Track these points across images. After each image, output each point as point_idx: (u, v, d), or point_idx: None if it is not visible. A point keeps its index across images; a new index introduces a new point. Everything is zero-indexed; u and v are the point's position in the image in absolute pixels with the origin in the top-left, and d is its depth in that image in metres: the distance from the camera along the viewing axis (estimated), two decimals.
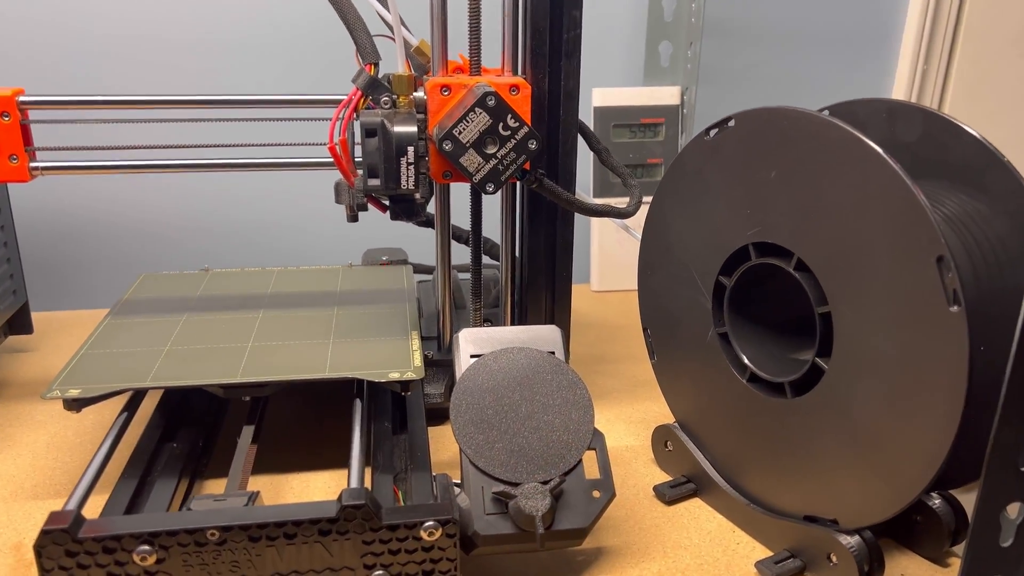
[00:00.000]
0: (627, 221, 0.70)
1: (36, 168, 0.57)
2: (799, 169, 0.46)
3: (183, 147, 0.60)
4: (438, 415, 0.65)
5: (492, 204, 0.66)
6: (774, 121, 0.48)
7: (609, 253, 0.99)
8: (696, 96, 0.94)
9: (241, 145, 0.61)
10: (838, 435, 0.47)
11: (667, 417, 0.62)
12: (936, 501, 0.51)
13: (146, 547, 0.44)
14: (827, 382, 0.47)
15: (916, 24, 1.17)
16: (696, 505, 0.57)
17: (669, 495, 0.58)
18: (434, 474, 0.52)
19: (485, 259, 0.70)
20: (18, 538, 0.53)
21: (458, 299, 0.77)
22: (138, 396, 0.59)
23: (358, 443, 0.53)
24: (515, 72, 0.61)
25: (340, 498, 0.46)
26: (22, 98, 0.55)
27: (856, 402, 0.45)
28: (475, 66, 0.60)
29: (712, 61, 1.01)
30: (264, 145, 0.62)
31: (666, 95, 0.95)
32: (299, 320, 0.65)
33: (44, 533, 0.43)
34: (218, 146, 0.61)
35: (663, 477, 0.60)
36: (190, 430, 0.58)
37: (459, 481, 0.52)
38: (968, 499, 0.50)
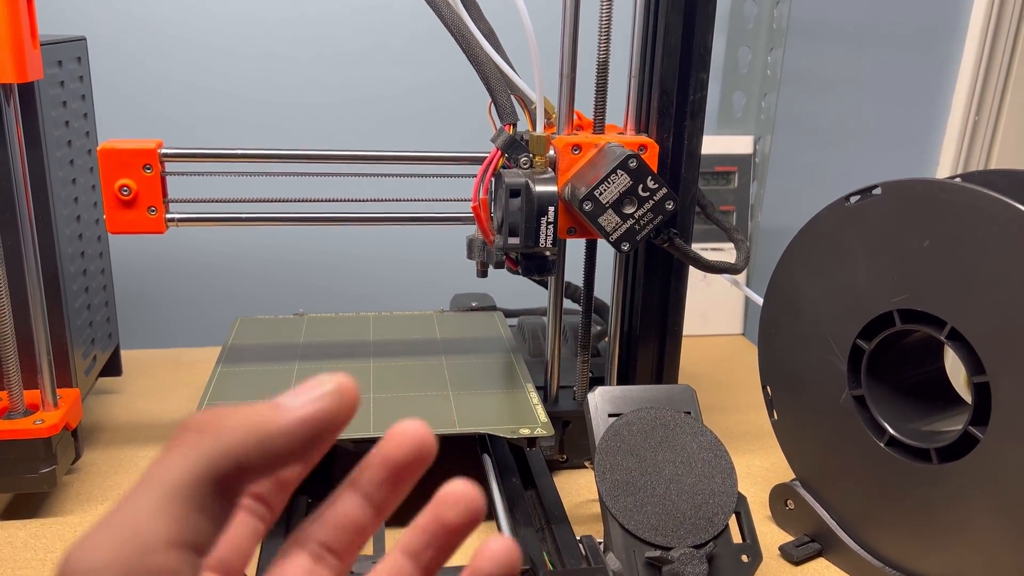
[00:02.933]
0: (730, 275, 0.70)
1: (172, 220, 0.57)
2: (957, 240, 0.47)
3: (308, 201, 0.60)
4: (550, 467, 0.65)
5: (604, 257, 0.67)
6: (929, 192, 0.49)
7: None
8: (771, 145, 0.96)
9: (364, 200, 0.62)
10: (993, 504, 0.47)
11: (771, 470, 0.62)
12: None
13: None
14: (982, 451, 0.47)
15: (968, 78, 1.20)
16: (823, 565, 0.57)
17: (796, 555, 0.58)
18: (578, 536, 0.52)
19: (566, 303, 0.70)
20: None
21: (535, 348, 0.77)
22: None
23: (500, 501, 0.53)
24: (637, 130, 0.62)
25: None
26: (163, 150, 0.56)
27: (1017, 472, 0.46)
28: (599, 124, 0.61)
29: (783, 111, 1.02)
30: (381, 200, 0.63)
31: (739, 144, 0.97)
32: (411, 370, 0.65)
33: None
34: (341, 200, 0.61)
35: (782, 535, 0.61)
36: (316, 484, 0.58)
37: (600, 540, 0.52)
38: None
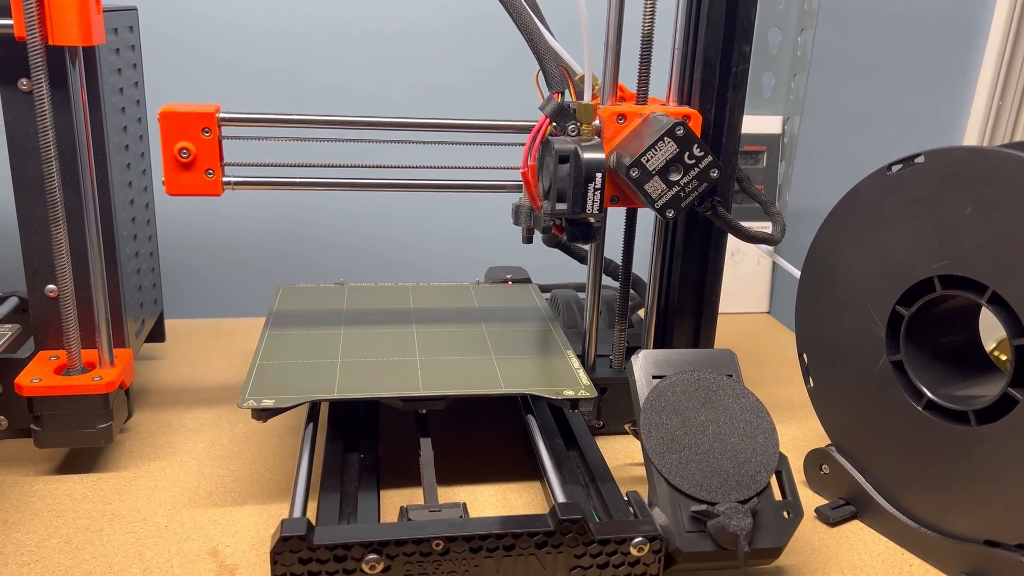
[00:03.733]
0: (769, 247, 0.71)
1: (228, 183, 0.59)
2: (999, 206, 0.49)
3: (359, 167, 0.62)
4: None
5: (644, 228, 0.68)
6: (975, 160, 0.50)
7: None
8: (799, 126, 0.97)
9: (411, 167, 0.63)
10: None
11: (803, 439, 0.63)
12: None
13: (374, 556, 0.45)
14: (1022, 412, 0.49)
15: (993, 64, 1.20)
16: (858, 527, 0.59)
17: (832, 517, 0.59)
18: (625, 492, 0.54)
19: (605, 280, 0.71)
20: (211, 544, 0.54)
21: (569, 319, 0.79)
22: (316, 406, 0.61)
23: (547, 457, 0.55)
24: (680, 102, 0.63)
25: (555, 512, 0.48)
26: (221, 114, 0.57)
27: None
28: (643, 95, 0.62)
29: (812, 92, 1.03)
30: (428, 167, 0.64)
31: (768, 124, 0.98)
32: (453, 335, 0.67)
33: (282, 540, 0.44)
34: (388, 167, 0.63)
35: (816, 499, 0.62)
36: (367, 441, 0.59)
37: (645, 497, 0.53)
38: None
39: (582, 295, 0.82)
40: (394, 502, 0.58)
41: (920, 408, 0.55)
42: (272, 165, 0.61)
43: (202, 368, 0.80)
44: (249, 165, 0.60)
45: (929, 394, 0.54)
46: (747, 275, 1.01)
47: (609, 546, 0.48)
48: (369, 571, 0.46)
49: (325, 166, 0.61)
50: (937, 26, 1.01)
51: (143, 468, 0.62)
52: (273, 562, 0.45)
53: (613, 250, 0.69)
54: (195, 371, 0.79)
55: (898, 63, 1.11)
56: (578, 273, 0.87)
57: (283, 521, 0.45)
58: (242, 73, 0.89)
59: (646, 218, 0.67)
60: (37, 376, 0.59)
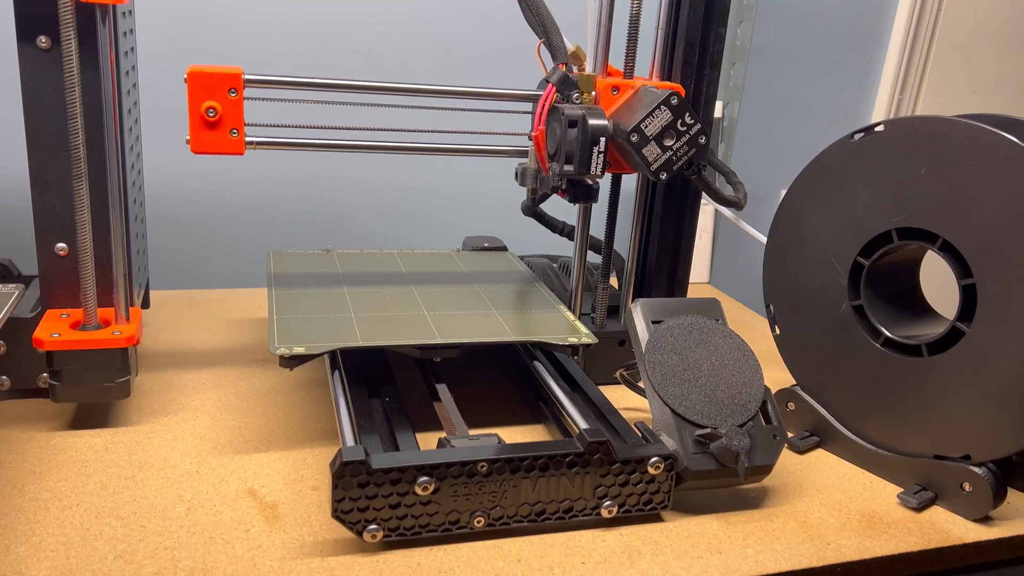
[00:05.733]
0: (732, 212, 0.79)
1: (251, 143, 0.61)
2: (950, 166, 0.57)
3: (367, 129, 0.65)
4: None
5: (625, 197, 0.74)
6: (929, 127, 0.58)
7: None
8: (739, 111, 1.06)
9: (416, 131, 0.67)
10: (975, 386, 0.57)
11: (770, 387, 0.71)
12: None
13: (426, 478, 0.50)
14: (967, 342, 0.57)
15: (895, 62, 1.34)
16: (823, 454, 0.67)
17: (801, 446, 0.67)
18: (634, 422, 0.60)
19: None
20: (247, 485, 0.57)
21: (547, 284, 0.84)
22: (336, 357, 0.64)
23: (563, 395, 0.60)
24: (662, 78, 0.70)
25: (583, 436, 0.53)
26: (246, 76, 0.60)
27: (996, 358, 0.56)
28: (629, 71, 0.68)
29: (751, 80, 1.13)
30: (433, 131, 0.68)
31: None
32: (452, 293, 0.71)
33: (344, 464, 0.48)
34: (395, 130, 0.66)
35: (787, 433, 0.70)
36: (388, 387, 0.63)
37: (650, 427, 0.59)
38: None
39: (555, 264, 0.87)
40: (425, 441, 0.61)
41: (878, 345, 0.63)
42: (284, 127, 0.63)
43: (186, 334, 0.81)
44: (266, 126, 0.62)
45: (887, 332, 0.63)
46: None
47: (630, 465, 0.54)
48: (421, 492, 0.50)
49: (338, 128, 0.64)
50: (851, 27, 1.12)
51: (158, 423, 0.64)
52: (335, 486, 0.48)
53: (593, 222, 0.74)
54: (181, 337, 0.80)
55: (818, 57, 1.22)
56: (542, 244, 0.93)
57: (342, 449, 0.49)
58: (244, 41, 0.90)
59: (627, 185, 0.74)
60: (56, 331, 0.60)
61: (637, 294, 0.76)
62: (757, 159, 1.13)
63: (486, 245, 0.87)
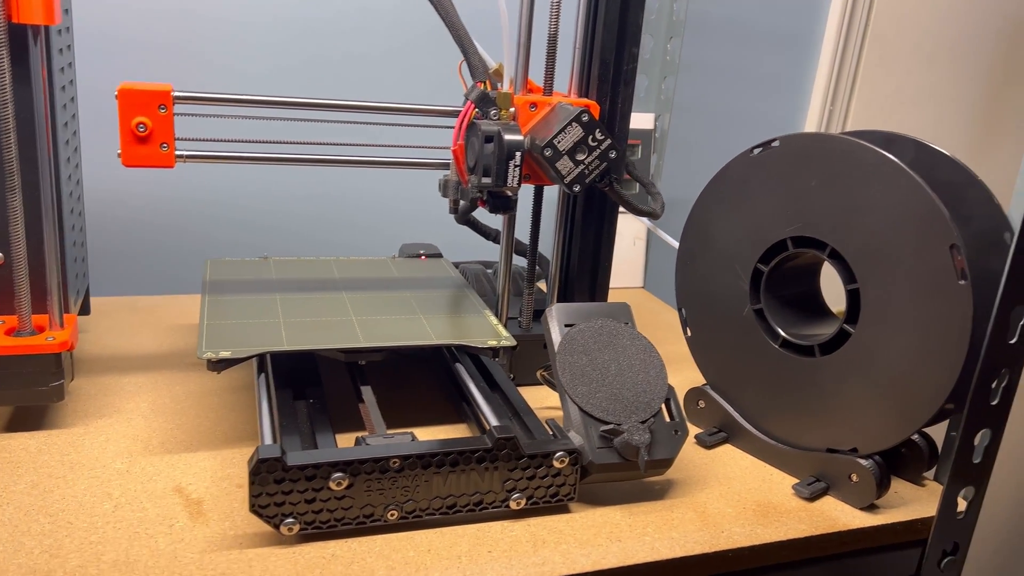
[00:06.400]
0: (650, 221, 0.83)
1: (180, 156, 0.64)
2: (837, 180, 0.62)
3: (297, 143, 0.68)
4: None
5: (548, 207, 0.78)
6: (818, 143, 0.63)
7: None
8: (669, 122, 1.10)
9: (344, 144, 0.70)
10: (861, 384, 0.62)
11: (681, 384, 0.75)
12: (916, 437, 0.67)
13: (340, 474, 0.53)
14: (854, 343, 0.62)
15: (825, 74, 1.40)
16: (730, 449, 0.71)
17: (708, 442, 0.71)
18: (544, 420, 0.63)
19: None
20: (174, 483, 0.59)
21: (479, 289, 0.88)
22: (264, 361, 0.67)
23: (479, 394, 0.64)
24: (580, 95, 0.74)
25: (492, 433, 0.56)
26: (175, 92, 0.62)
27: (879, 357, 0.60)
28: (548, 88, 0.72)
29: (680, 93, 1.17)
30: (361, 145, 0.72)
31: (643, 120, 1.10)
32: (381, 300, 0.75)
33: (260, 462, 0.51)
34: (324, 144, 0.69)
35: (695, 428, 0.74)
36: (314, 389, 0.66)
37: (561, 425, 0.63)
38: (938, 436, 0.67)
39: (489, 270, 0.91)
40: (345, 441, 0.64)
41: (777, 346, 0.67)
42: (215, 140, 0.66)
43: (127, 339, 0.83)
44: (194, 140, 0.65)
45: (784, 334, 0.67)
46: (623, 254, 1.13)
47: (536, 460, 0.57)
48: (336, 487, 0.53)
49: (262, 142, 0.67)
50: (781, 40, 1.17)
51: (92, 425, 0.66)
52: (251, 482, 0.51)
53: (520, 229, 0.78)
54: (121, 342, 0.82)
55: (751, 70, 1.27)
56: (480, 251, 0.96)
57: (259, 447, 0.52)
58: (147, 51, 0.92)
59: (548, 200, 0.78)
60: None
61: (562, 298, 0.80)
62: (689, 168, 1.17)
63: (421, 252, 0.90)
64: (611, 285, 1.14)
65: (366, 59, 1.00)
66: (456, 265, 0.93)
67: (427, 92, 1.01)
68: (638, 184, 0.80)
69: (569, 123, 0.65)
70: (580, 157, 0.66)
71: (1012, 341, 0.59)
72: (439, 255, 0.91)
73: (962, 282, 0.55)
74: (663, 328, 0.99)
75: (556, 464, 0.58)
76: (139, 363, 0.78)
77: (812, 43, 1.34)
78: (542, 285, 0.90)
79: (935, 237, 0.56)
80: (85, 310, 0.82)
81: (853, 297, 0.62)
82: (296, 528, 0.53)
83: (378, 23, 0.99)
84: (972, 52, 1.45)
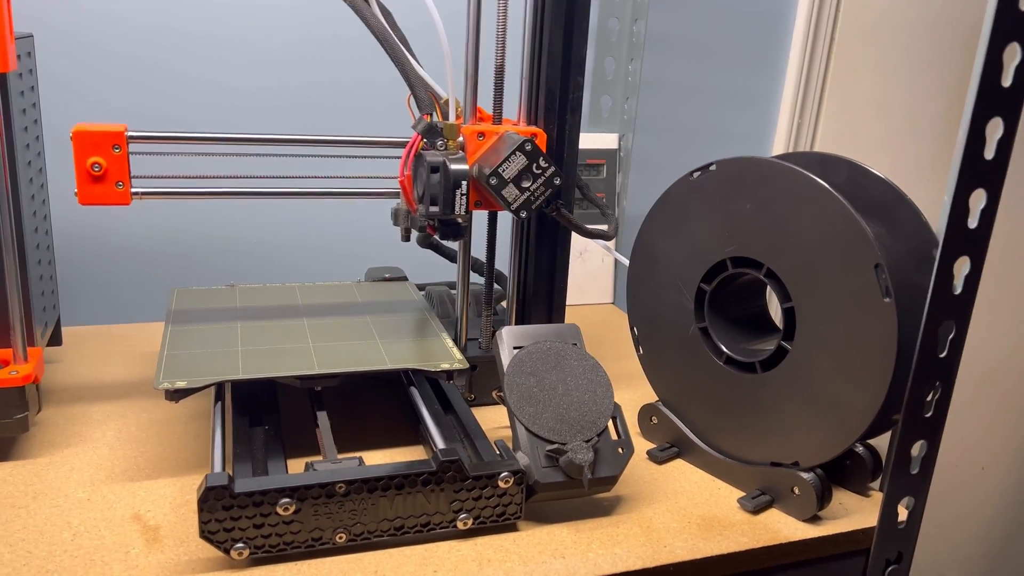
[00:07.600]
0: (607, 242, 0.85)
1: (136, 193, 0.66)
2: (770, 202, 0.64)
3: (253, 177, 0.71)
4: None
5: (503, 230, 0.80)
6: (751, 167, 0.65)
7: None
8: (632, 142, 1.12)
9: (299, 177, 0.73)
10: (799, 399, 0.64)
11: (638, 400, 0.77)
12: (860, 449, 0.68)
13: (287, 500, 0.55)
14: (791, 360, 0.64)
15: (792, 89, 1.42)
16: (681, 464, 0.73)
17: (660, 457, 0.73)
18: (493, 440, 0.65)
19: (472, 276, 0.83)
20: (133, 511, 0.61)
21: (443, 311, 0.90)
22: (222, 389, 0.69)
23: (428, 416, 0.66)
24: (528, 122, 0.76)
25: (437, 456, 0.58)
26: (129, 133, 0.65)
27: (814, 373, 0.62)
28: (498, 117, 0.74)
29: (643, 113, 1.19)
30: (316, 177, 0.74)
31: (606, 140, 1.13)
32: (341, 325, 0.77)
33: (208, 489, 0.53)
34: (278, 177, 0.72)
35: (648, 444, 0.76)
36: (270, 416, 0.68)
37: (510, 445, 0.65)
38: (881, 448, 0.69)
39: (453, 292, 0.93)
40: (298, 466, 0.66)
41: (721, 363, 0.69)
42: (173, 177, 0.68)
43: (99, 368, 0.85)
44: (151, 177, 0.67)
45: (727, 351, 0.69)
46: (594, 271, 1.15)
47: (481, 481, 0.59)
48: (283, 513, 0.55)
49: (218, 177, 0.69)
50: (746, 55, 1.19)
51: (57, 455, 0.68)
52: (200, 509, 0.53)
53: (478, 249, 0.80)
54: (93, 371, 0.84)
55: (717, 87, 1.29)
56: (448, 272, 0.98)
57: (207, 475, 0.54)
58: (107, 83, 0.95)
59: (505, 221, 0.80)
60: None
61: (519, 319, 0.82)
62: (656, 187, 1.19)
63: (386, 276, 0.92)
64: (581, 301, 1.16)
65: (333, 87, 1.03)
66: (421, 287, 0.95)
67: (395, 120, 1.04)
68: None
69: (513, 152, 0.67)
70: (526, 184, 0.68)
71: (942, 355, 0.61)
72: (404, 278, 0.93)
73: (887, 299, 0.57)
74: (628, 344, 1.01)
75: (501, 484, 0.60)
76: (108, 392, 0.80)
77: (778, 58, 1.37)
78: (505, 303, 0.92)
79: (861, 257, 0.58)
80: (56, 340, 0.84)
81: (789, 315, 0.64)
82: (246, 553, 0.55)
83: (343, 52, 1.02)
84: (937, 63, 1.47)
